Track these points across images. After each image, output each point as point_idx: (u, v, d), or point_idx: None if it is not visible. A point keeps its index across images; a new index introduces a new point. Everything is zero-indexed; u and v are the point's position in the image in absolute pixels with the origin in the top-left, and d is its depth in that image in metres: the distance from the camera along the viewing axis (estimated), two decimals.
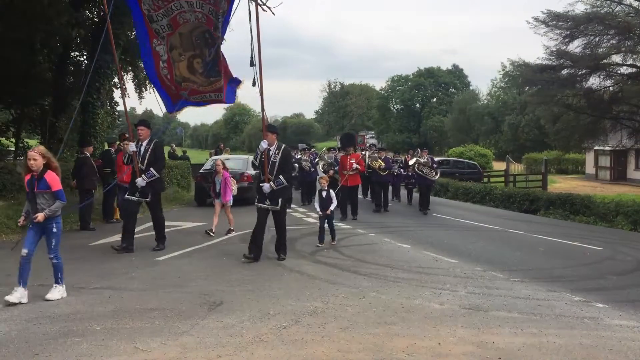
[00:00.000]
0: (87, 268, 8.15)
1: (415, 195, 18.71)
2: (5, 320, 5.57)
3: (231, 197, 11.53)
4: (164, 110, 10.77)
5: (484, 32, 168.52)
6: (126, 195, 9.67)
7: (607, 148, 30.83)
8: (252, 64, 9.04)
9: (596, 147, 31.74)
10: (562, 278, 8.15)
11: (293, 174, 17.37)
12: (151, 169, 9.43)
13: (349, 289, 7.00)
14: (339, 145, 19.70)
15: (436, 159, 19.97)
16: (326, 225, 10.41)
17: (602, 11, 20.07)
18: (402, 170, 18.64)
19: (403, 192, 20.13)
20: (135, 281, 7.33)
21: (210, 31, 9.73)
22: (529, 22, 20.92)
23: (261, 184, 8.75)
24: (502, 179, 30.70)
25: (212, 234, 11.15)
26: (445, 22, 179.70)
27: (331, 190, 10.52)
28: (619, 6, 20.13)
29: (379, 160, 16.55)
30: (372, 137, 74.69)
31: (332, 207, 10.30)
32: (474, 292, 7.01)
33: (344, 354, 4.77)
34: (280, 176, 8.72)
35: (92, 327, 5.35)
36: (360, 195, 18.14)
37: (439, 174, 17.44)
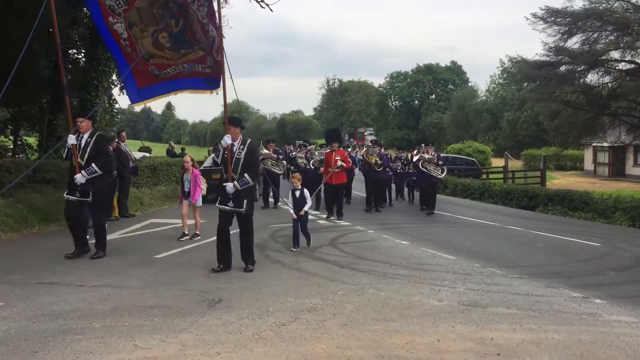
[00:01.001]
0: (85, 266, 8.14)
1: (416, 193, 18.30)
2: (4, 318, 5.56)
3: (200, 198, 10.70)
4: (129, 102, 9.66)
5: (482, 29, 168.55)
6: (65, 194, 8.71)
7: (605, 144, 30.85)
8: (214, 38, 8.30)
9: (595, 144, 31.78)
10: (560, 274, 8.17)
11: (280, 173, 16.72)
12: (92, 164, 8.53)
13: (348, 286, 7.01)
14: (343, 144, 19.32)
15: None
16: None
17: (600, 7, 20.04)
18: (406, 167, 18.52)
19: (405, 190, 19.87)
20: (135, 279, 7.33)
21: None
22: (528, 19, 20.92)
23: (224, 184, 7.90)
24: (501, 175, 30.76)
25: (186, 236, 10.54)
26: (444, 19, 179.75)
27: (305, 190, 9.83)
28: (617, 2, 20.11)
29: (375, 156, 15.78)
30: (370, 134, 74.78)
31: (306, 208, 9.63)
32: (473, 289, 7.02)
33: (343, 350, 4.78)
34: (246, 175, 7.81)
35: (91, 325, 5.35)
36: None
37: (445, 172, 16.10)
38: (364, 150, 17.03)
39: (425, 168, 15.39)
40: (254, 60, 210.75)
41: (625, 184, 30.64)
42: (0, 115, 19.91)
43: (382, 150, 18.18)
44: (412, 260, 8.87)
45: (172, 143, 30.62)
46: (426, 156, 15.52)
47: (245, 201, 7.83)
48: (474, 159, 34.21)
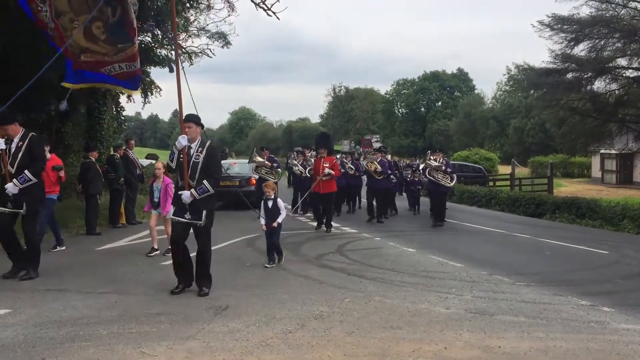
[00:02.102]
0: (93, 273, 8.17)
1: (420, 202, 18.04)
2: (12, 324, 5.59)
3: (172, 209, 9.38)
4: (66, 81, 8.34)
5: (488, 36, 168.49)
6: None
7: (613, 151, 30.69)
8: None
9: (602, 151, 31.61)
10: (568, 282, 8.13)
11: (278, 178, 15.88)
12: (25, 171, 7.47)
13: (355, 293, 6.99)
14: (344, 150, 18.61)
15: None
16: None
17: (607, 14, 20.01)
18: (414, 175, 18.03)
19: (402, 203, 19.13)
20: (141, 286, 7.35)
21: None
22: (534, 26, 20.90)
23: (179, 192, 6.91)
24: (508, 182, 30.66)
25: (156, 252, 9.61)
26: (450, 26, 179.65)
27: (279, 200, 8.96)
28: (624, 9, 20.09)
29: (375, 163, 14.70)
30: (377, 141, 74.73)
31: (279, 219, 8.74)
32: (480, 296, 7.00)
33: (350, 358, 4.77)
34: (205, 182, 6.79)
35: (98, 332, 5.36)
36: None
37: (454, 180, 14.91)
38: (363, 157, 16.56)
39: (433, 176, 14.43)
40: (260, 67, 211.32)
41: (633, 191, 30.46)
42: None
43: (390, 157, 17.78)
44: (419, 267, 8.85)
45: None
46: (433, 164, 14.52)
47: (204, 212, 6.84)
48: (480, 166, 34.13)
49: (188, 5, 18.19)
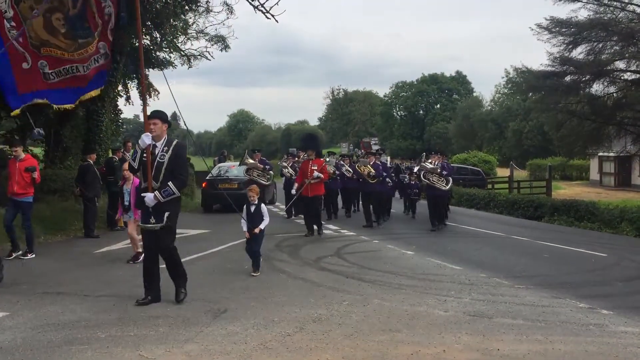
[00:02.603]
0: (91, 275, 8.16)
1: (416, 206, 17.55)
2: (10, 327, 5.58)
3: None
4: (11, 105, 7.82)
5: (486, 39, 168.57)
6: None
7: (611, 154, 30.70)
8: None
9: (600, 154, 31.63)
10: (567, 284, 8.13)
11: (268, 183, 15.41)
12: None
13: (353, 296, 6.99)
14: (342, 152, 17.85)
15: None
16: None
17: (605, 17, 20.04)
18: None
19: (398, 205, 18.88)
20: (140, 289, 7.30)
21: None
22: (532, 29, 20.91)
23: (143, 195, 6.49)
24: (506, 185, 30.65)
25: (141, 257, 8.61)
26: (448, 29, 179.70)
27: (263, 205, 8.53)
28: (622, 12, 20.12)
29: (369, 166, 14.11)
30: (375, 144, 74.71)
31: (262, 226, 8.35)
32: (479, 299, 7.00)
33: None
34: (170, 183, 6.38)
35: (96, 335, 5.35)
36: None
37: (450, 183, 14.32)
38: (358, 160, 16.04)
39: (428, 179, 13.93)
40: (259, 70, 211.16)
41: (631, 194, 30.46)
42: (7, 125, 20.04)
43: (388, 159, 17.55)
44: (418, 270, 8.85)
45: None
46: (428, 166, 14.00)
47: (166, 214, 6.44)
48: (479, 169, 34.13)
49: (187, 8, 18.19)
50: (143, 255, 7.35)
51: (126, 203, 9.40)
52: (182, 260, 9.22)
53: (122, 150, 13.93)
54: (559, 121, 22.97)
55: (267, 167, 15.48)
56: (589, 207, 17.40)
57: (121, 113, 20.61)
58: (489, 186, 30.00)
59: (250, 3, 14.98)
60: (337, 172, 15.71)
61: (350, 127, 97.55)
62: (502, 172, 41.04)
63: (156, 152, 6.50)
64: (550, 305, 6.80)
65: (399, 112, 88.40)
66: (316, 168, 12.34)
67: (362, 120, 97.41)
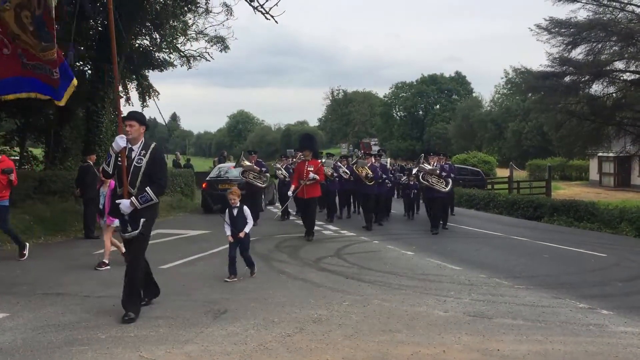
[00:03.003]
0: (91, 276, 8.16)
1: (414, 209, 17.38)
2: (10, 329, 5.58)
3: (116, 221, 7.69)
4: None
5: (486, 39, 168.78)
6: None
7: (610, 154, 30.72)
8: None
9: (600, 154, 31.64)
10: (566, 285, 8.13)
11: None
12: None
13: (353, 297, 6.99)
14: (343, 153, 17.07)
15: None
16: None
17: (604, 18, 20.05)
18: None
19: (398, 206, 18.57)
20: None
21: None
22: (532, 30, 20.91)
23: (117, 201, 6.10)
24: (506, 185, 30.65)
25: (106, 267, 8.74)
26: (448, 29, 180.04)
27: (246, 208, 8.20)
28: (621, 13, 20.12)
29: (366, 168, 13.85)
30: (375, 144, 74.67)
31: (246, 229, 8.05)
32: (479, 300, 7.00)
33: None
34: (148, 189, 5.98)
35: (97, 336, 5.35)
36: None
37: (450, 185, 13.81)
38: (354, 161, 15.52)
39: (427, 181, 13.56)
40: (258, 71, 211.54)
41: (631, 194, 30.47)
42: (7, 126, 20.05)
43: (388, 161, 17.00)
44: (418, 270, 8.85)
45: (179, 154, 30.74)
46: (427, 167, 13.64)
47: (142, 220, 6.04)
48: (478, 169, 34.14)
49: (186, 9, 18.22)
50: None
51: (101, 206, 8.99)
52: (182, 261, 9.33)
53: None
54: (558, 121, 22.98)
55: (264, 169, 15.15)
56: (589, 207, 17.40)
57: (121, 114, 20.63)
58: (489, 186, 30.01)
59: (250, 4, 15.04)
60: (335, 174, 15.56)
61: (350, 127, 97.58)
62: (502, 173, 41.04)
63: (133, 155, 6.09)
64: (550, 305, 6.81)
65: (398, 113, 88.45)
66: (312, 169, 11.99)
67: (362, 120, 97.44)
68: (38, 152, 19.74)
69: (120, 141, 5.99)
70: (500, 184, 31.55)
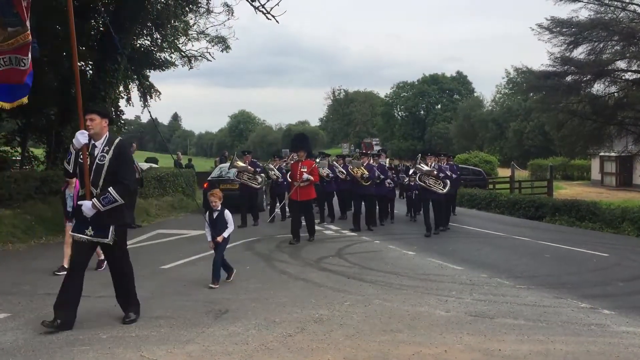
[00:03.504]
0: (92, 276, 8.13)
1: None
2: (12, 329, 5.58)
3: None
4: None
5: (487, 39, 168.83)
6: None
7: (612, 154, 30.71)
8: None
9: (602, 153, 31.66)
10: (568, 285, 8.12)
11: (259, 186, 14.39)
12: None
13: (355, 297, 6.99)
14: (344, 153, 16.00)
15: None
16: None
17: (606, 17, 20.03)
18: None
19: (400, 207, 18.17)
20: (141, 289, 7.30)
21: None
22: (533, 29, 20.92)
23: (79, 202, 5.66)
24: (508, 185, 30.66)
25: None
26: (448, 29, 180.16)
27: (227, 212, 7.79)
28: (623, 12, 20.11)
29: (362, 168, 13.34)
30: (377, 144, 74.61)
31: (225, 234, 7.70)
32: (480, 299, 6.99)
33: None
34: (111, 189, 5.51)
35: (98, 336, 5.35)
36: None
37: (448, 186, 13.08)
38: (349, 161, 15.10)
39: (424, 182, 12.99)
40: (259, 71, 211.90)
41: (633, 193, 30.46)
42: (8, 126, 20.07)
43: (387, 161, 16.51)
44: (419, 270, 8.84)
45: (180, 154, 30.76)
46: (424, 168, 13.01)
47: (111, 227, 5.62)
48: (480, 169, 34.13)
49: (187, 9, 18.23)
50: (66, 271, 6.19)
51: (69, 209, 8.27)
52: (183, 261, 9.34)
53: None
54: (560, 121, 22.97)
55: (258, 169, 14.74)
56: (590, 207, 17.39)
57: (123, 114, 20.66)
58: (490, 186, 29.99)
59: (251, 4, 15.04)
60: (330, 174, 15.23)
61: (351, 127, 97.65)
62: (503, 172, 41.07)
63: (95, 152, 5.61)
64: (551, 305, 6.80)
65: (399, 113, 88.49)
66: (305, 170, 11.44)
67: (363, 120, 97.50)
68: (39, 152, 19.73)
69: (80, 137, 5.48)
70: (501, 184, 31.54)
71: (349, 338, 5.35)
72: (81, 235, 5.59)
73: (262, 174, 14.80)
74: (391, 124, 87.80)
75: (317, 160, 14.57)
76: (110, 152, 5.60)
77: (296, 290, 7.40)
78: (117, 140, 5.71)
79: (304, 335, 5.43)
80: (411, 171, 14.72)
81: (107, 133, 5.75)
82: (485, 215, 19.51)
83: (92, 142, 5.63)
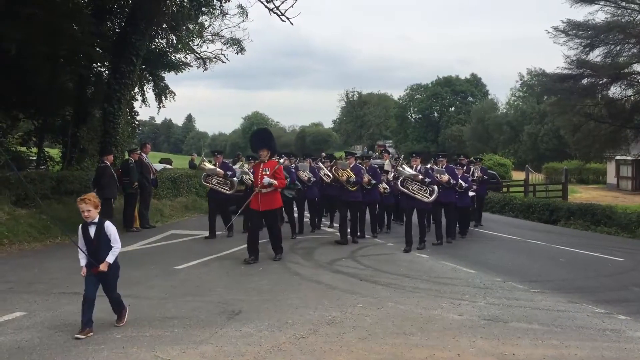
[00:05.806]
0: None
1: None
2: (27, 327, 5.64)
3: None
4: None
5: (501, 42, 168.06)
6: None
7: (628, 158, 30.44)
8: None
9: (617, 157, 31.35)
10: (583, 289, 8.05)
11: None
12: None
13: (368, 299, 6.98)
14: (349, 154, 12.96)
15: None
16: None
17: (622, 20, 19.89)
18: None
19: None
20: (155, 290, 7.38)
21: None
22: (549, 32, 20.81)
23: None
24: (522, 188, 30.40)
25: None
26: (460, 32, 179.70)
27: (108, 224, 5.60)
28: (639, 15, 19.95)
29: (348, 170, 11.67)
30: (390, 146, 74.52)
31: (109, 259, 5.54)
32: (494, 303, 6.95)
33: None
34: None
35: (112, 335, 5.40)
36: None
37: (435, 194, 10.96)
38: (333, 163, 13.18)
39: (407, 188, 10.99)
40: (273, 73, 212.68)
41: None
42: (24, 127, 20.31)
43: (387, 161, 15.36)
44: (432, 273, 8.81)
45: (195, 155, 30.87)
46: (407, 171, 11.00)
47: None
48: (494, 172, 33.95)
49: (202, 10, 18.35)
50: None
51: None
52: (197, 262, 9.37)
53: (138, 152, 14.03)
54: (575, 124, 22.81)
55: (229, 172, 12.55)
56: (606, 211, 17.21)
57: (137, 115, 20.83)
58: (505, 189, 29.80)
59: (266, 5, 15.10)
60: (312, 178, 13.26)
61: (365, 129, 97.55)
62: (518, 176, 40.78)
63: None
64: (566, 310, 6.74)
65: (413, 115, 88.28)
66: (268, 173, 9.50)
67: (377, 122, 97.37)
68: (55, 152, 19.94)
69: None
70: (516, 187, 31.30)
71: (362, 340, 5.34)
72: None
73: (235, 178, 12.59)
74: (405, 126, 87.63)
75: (281, 160, 12.91)
76: None
77: (309, 291, 7.41)
78: None
79: (316, 337, 5.44)
80: (391, 175, 12.94)
81: None
82: (499, 219, 19.39)
83: None
